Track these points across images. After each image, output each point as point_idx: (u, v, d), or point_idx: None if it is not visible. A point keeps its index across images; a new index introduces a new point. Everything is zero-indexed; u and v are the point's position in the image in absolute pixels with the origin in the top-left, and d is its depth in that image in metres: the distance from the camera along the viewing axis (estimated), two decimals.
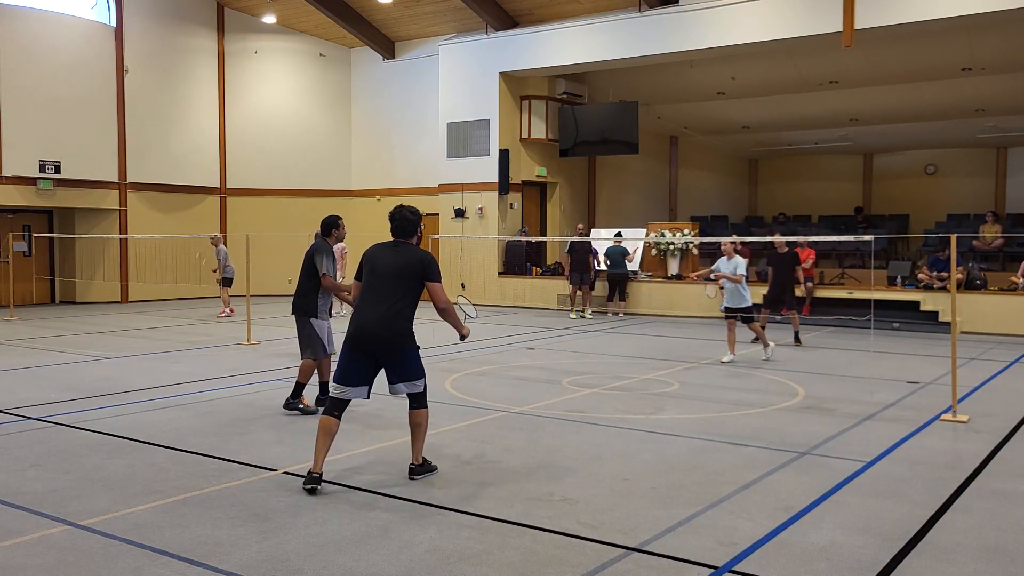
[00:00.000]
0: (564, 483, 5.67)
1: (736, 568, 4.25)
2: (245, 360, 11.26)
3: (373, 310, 5.64)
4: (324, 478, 5.64)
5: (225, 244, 18.16)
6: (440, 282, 5.73)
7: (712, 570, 4.22)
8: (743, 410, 8.13)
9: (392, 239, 5.90)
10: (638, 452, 6.52)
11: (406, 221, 5.88)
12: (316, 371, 7.95)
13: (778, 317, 13.21)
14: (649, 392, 9.07)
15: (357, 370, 5.64)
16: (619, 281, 17.36)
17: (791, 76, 18.47)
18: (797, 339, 12.93)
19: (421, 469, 5.82)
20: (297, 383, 7.93)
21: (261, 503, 5.24)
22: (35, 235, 19.93)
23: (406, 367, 5.67)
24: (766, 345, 11.39)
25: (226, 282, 17.13)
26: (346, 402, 5.69)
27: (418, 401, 5.79)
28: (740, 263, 11.22)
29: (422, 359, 5.80)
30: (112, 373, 10.19)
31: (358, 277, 5.87)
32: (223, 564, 4.28)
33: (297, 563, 4.29)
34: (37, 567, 4.24)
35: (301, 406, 7.87)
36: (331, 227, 7.92)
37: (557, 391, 9.05)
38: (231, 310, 17.02)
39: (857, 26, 14.87)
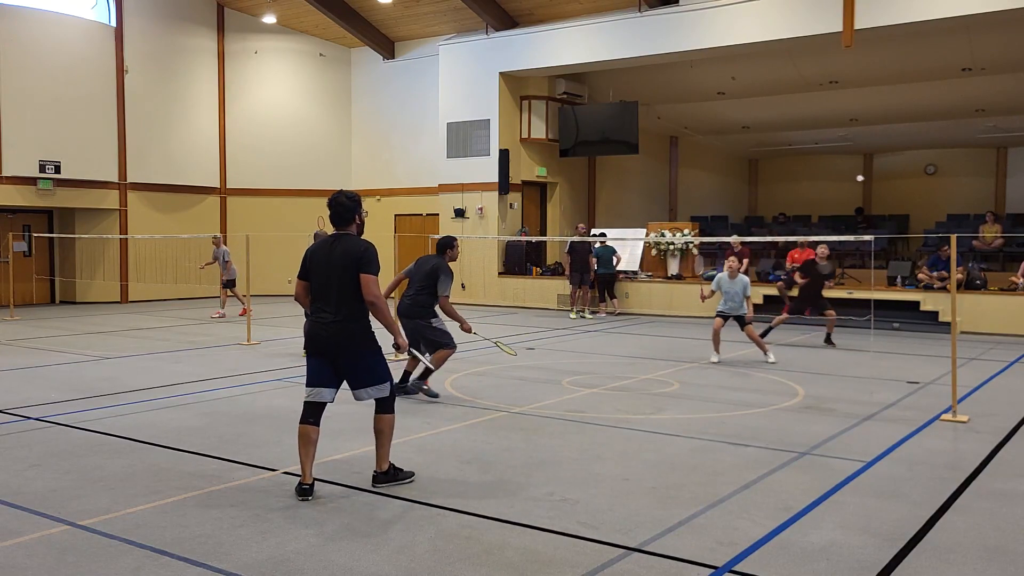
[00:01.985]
0: (564, 483, 5.67)
1: (736, 568, 4.25)
2: (245, 360, 11.26)
3: (323, 314, 5.36)
4: (324, 478, 5.66)
5: (225, 244, 18.15)
6: (374, 274, 5.30)
7: (712, 570, 4.22)
8: (743, 410, 8.13)
9: (333, 231, 5.52)
10: (638, 452, 6.52)
11: (341, 207, 5.42)
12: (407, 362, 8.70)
13: (807, 317, 13.10)
14: (649, 392, 9.07)
15: (323, 372, 5.40)
16: (608, 281, 17.38)
17: (791, 76, 18.47)
18: (828, 340, 12.83)
19: (386, 477, 5.54)
20: (427, 368, 8.36)
21: (261, 503, 5.23)
22: (35, 235, 19.93)
23: (368, 371, 5.41)
24: (765, 352, 11.16)
25: (229, 283, 17.15)
26: (322, 405, 5.42)
27: (383, 406, 5.51)
28: (747, 285, 11.06)
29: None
30: (112, 373, 10.19)
31: (302, 276, 5.51)
32: (223, 564, 4.28)
33: (297, 563, 4.29)
34: (37, 567, 4.24)
35: (425, 387, 8.51)
36: (447, 247, 8.58)
37: (557, 391, 9.05)
38: (223, 313, 17.03)
39: (857, 26, 14.87)
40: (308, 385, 5.45)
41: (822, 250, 13.00)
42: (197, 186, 21.71)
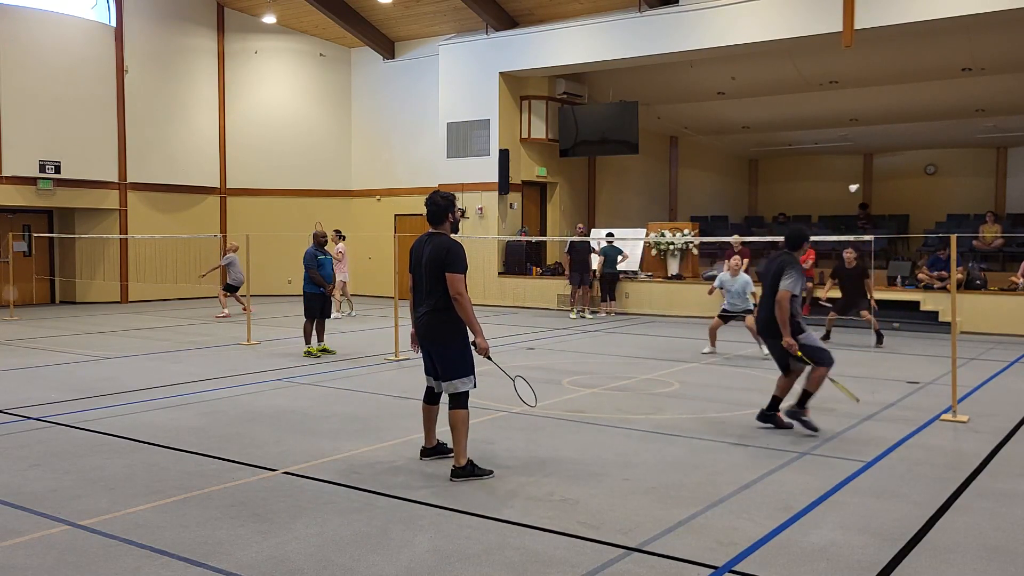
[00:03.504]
0: (564, 483, 5.67)
1: (736, 568, 4.25)
2: (245, 360, 11.26)
3: (418, 308, 5.86)
4: (324, 479, 5.71)
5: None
6: (458, 272, 5.63)
7: (712, 570, 4.22)
8: (743, 410, 8.12)
9: (429, 229, 5.95)
10: (638, 452, 6.52)
11: (436, 207, 5.86)
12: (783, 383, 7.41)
13: (855, 319, 13.05)
14: (649, 392, 9.07)
15: (425, 361, 5.98)
16: (611, 281, 17.38)
17: (791, 76, 18.47)
18: (879, 339, 12.76)
19: (463, 471, 5.70)
20: (805, 391, 7.22)
21: (261, 503, 5.23)
22: (35, 235, 19.94)
23: (445, 364, 5.77)
24: (761, 344, 11.40)
25: (231, 288, 17.11)
26: (432, 390, 6.03)
27: (455, 401, 5.76)
28: (748, 281, 11.57)
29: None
30: (112, 373, 10.19)
31: (410, 271, 6.04)
32: (223, 564, 4.28)
33: (297, 563, 4.29)
34: (37, 567, 4.24)
35: (804, 418, 7.14)
36: (801, 240, 7.36)
37: (557, 391, 9.04)
38: (228, 313, 17.03)
39: (857, 26, 14.86)
40: (425, 372, 6.07)
41: (847, 254, 12.84)
42: (197, 186, 21.70)
